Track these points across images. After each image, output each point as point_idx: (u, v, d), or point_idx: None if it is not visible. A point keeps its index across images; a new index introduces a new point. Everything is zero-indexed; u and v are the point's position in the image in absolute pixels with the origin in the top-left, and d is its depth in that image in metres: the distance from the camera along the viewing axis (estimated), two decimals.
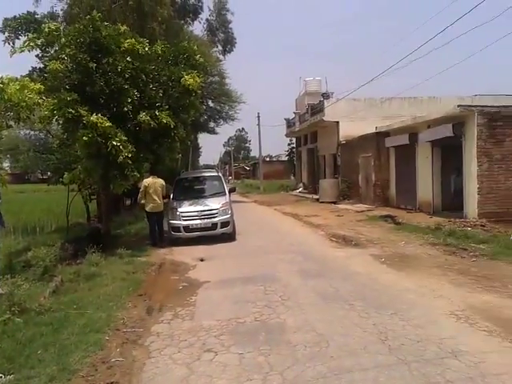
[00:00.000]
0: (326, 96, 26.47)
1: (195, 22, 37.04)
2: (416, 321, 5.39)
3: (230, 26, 38.08)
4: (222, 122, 29.15)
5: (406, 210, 17.57)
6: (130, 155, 10.14)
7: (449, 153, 15.82)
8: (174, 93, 11.75)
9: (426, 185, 16.67)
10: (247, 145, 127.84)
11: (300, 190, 32.34)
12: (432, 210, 16.12)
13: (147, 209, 11.58)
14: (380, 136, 20.13)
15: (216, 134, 32.81)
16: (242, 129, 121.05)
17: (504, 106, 14.43)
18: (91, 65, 10.88)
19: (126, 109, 10.97)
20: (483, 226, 12.94)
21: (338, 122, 25.35)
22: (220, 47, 38.57)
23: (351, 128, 23.55)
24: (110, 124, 9.98)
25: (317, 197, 25.10)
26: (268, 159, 77.49)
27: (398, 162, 19.42)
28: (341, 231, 13.26)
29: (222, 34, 38.11)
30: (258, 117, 43.58)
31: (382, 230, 13.52)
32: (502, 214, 13.39)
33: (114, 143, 9.80)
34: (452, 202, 15.61)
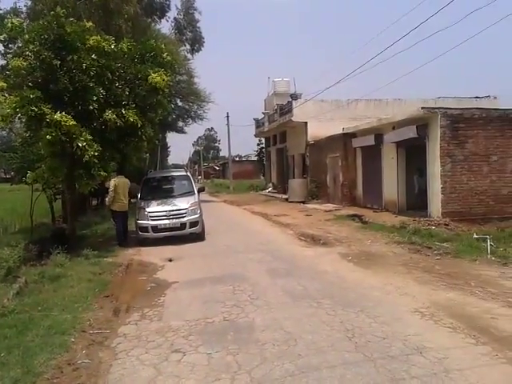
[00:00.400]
0: (294, 97, 26.66)
1: (163, 21, 36.70)
2: (382, 318, 5.49)
3: (198, 25, 37.98)
4: (190, 122, 29.00)
5: (372, 210, 17.90)
6: (96, 154, 9.94)
7: (413, 153, 16.19)
8: (141, 91, 11.59)
9: (392, 185, 17.02)
10: (217, 144, 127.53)
11: (269, 189, 32.47)
12: (397, 210, 16.47)
13: (115, 208, 11.39)
14: (347, 137, 20.44)
15: (184, 133, 32.63)
16: (212, 128, 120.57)
17: (466, 109, 14.90)
18: (55, 62, 10.65)
19: (91, 107, 10.77)
20: (447, 224, 13.32)
21: (306, 123, 25.62)
22: (188, 46, 38.28)
23: (319, 128, 23.85)
24: (75, 123, 9.76)
25: (286, 196, 25.27)
26: (238, 159, 77.52)
27: (365, 162, 19.77)
28: (309, 230, 13.39)
29: (190, 33, 37.84)
30: (227, 116, 43.62)
31: (349, 229, 13.73)
32: (464, 214, 13.82)
33: (80, 144, 9.58)
34: (416, 202, 16.00)
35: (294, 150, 28.98)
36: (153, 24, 30.87)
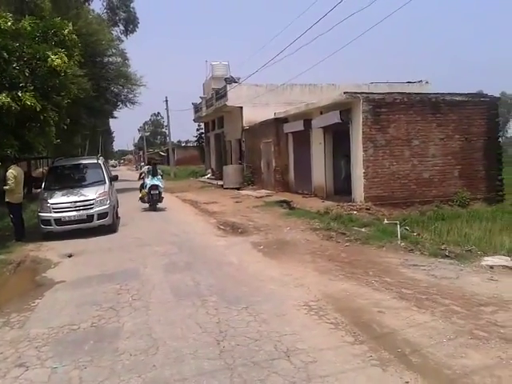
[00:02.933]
0: (228, 81, 26.04)
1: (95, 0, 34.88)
2: (265, 315, 5.15)
3: (132, 5, 36.40)
4: (120, 106, 27.64)
5: (302, 195, 17.79)
6: None
7: (340, 139, 16.06)
8: (39, 72, 10.64)
9: (320, 170, 16.93)
10: (164, 130, 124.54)
11: (208, 176, 31.87)
12: (325, 195, 16.40)
13: (12, 200, 10.43)
14: (279, 122, 20.15)
15: (115, 117, 30.99)
16: (158, 113, 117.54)
17: (388, 93, 14.92)
18: None
19: None
20: (368, 209, 13.33)
21: (241, 108, 25.07)
22: (122, 27, 36.77)
23: (255, 113, 23.42)
24: None
25: (222, 183, 24.77)
26: (184, 144, 75.95)
27: (296, 147, 19.59)
28: (233, 218, 13.01)
29: (124, 14, 36.28)
30: (166, 101, 42.33)
31: (273, 215, 13.46)
32: (386, 198, 13.88)
33: None
34: (343, 187, 15.96)
35: (231, 136, 28.47)
36: (85, 4, 29.04)
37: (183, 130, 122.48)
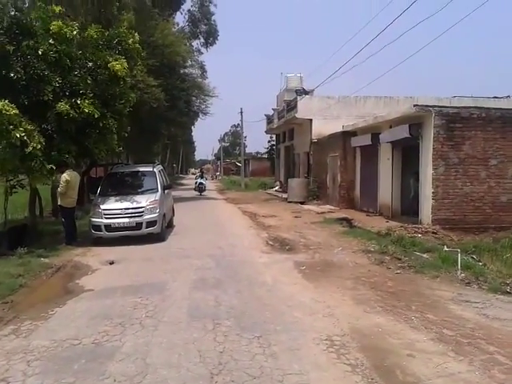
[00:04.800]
0: (299, 92, 25.57)
1: (177, 13, 36.26)
2: (276, 347, 4.61)
3: (213, 18, 37.37)
4: (192, 116, 28.20)
5: (366, 213, 16.81)
6: (38, 146, 9.34)
7: (410, 155, 14.96)
8: (102, 80, 10.94)
9: (386, 187, 15.88)
10: (244, 141, 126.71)
11: (276, 188, 31.50)
12: (391, 215, 15.33)
13: (64, 204, 10.74)
14: (346, 135, 19.33)
15: (189, 128, 31.68)
16: (238, 124, 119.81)
17: (464, 107, 13.66)
18: (8, 47, 10.15)
19: (46, 97, 10.20)
20: (435, 233, 12.19)
21: (311, 120, 24.48)
22: (202, 39, 37.87)
23: (325, 126, 22.70)
24: (16, 111, 9.16)
25: (286, 196, 24.29)
26: (259, 156, 76.36)
27: (364, 162, 18.63)
28: (285, 234, 12.51)
29: (205, 26, 37.33)
30: (241, 112, 42.76)
31: (329, 233, 12.75)
32: (457, 221, 12.65)
33: (17, 134, 8.98)
34: (411, 207, 14.78)
35: (299, 148, 27.95)
36: (167, 16, 30.22)
37: (256, 140, 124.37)
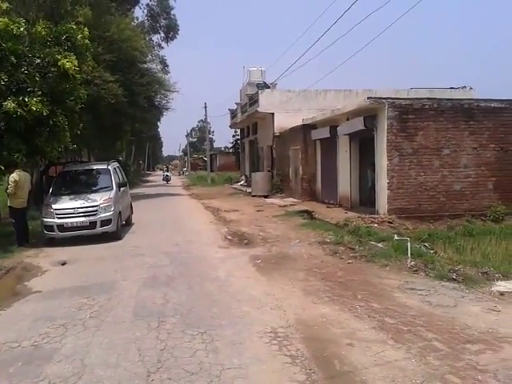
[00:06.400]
0: (260, 86, 25.64)
1: (136, 8, 35.57)
2: (219, 343, 4.62)
3: (173, 12, 36.89)
4: (153, 112, 27.78)
5: (328, 205, 17.02)
6: None
7: (367, 146, 15.17)
8: (51, 77, 10.64)
9: (345, 179, 16.11)
10: (211, 136, 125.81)
11: (242, 182, 31.49)
12: (350, 206, 15.57)
13: (14, 205, 10.42)
14: (307, 128, 19.47)
15: (152, 124, 31.25)
16: (205, 119, 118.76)
17: (416, 99, 13.98)
18: None
19: None
20: (391, 222, 12.45)
21: (273, 114, 24.56)
22: (162, 34, 37.36)
23: (287, 120, 22.75)
24: None
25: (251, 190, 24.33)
26: (227, 150, 76.00)
27: (324, 155, 18.82)
28: (245, 228, 12.53)
29: (164, 21, 36.83)
30: (205, 107, 42.49)
31: (288, 226, 12.86)
32: (412, 210, 12.93)
33: None
34: (369, 197, 15.06)
35: (263, 142, 28.00)
36: (123, 11, 29.62)
37: (224, 135, 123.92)
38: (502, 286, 6.31)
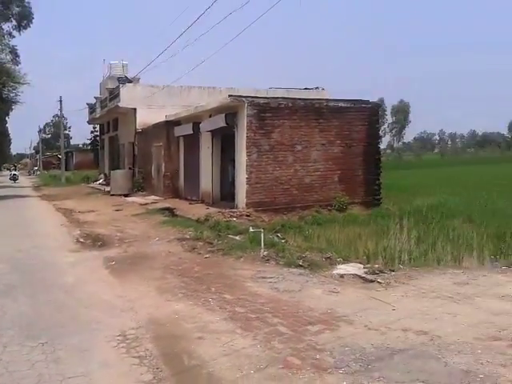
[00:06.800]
0: (122, 80, 24.62)
1: None
2: (62, 352, 4.31)
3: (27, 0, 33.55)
4: (2, 105, 24.95)
5: (190, 201, 17.03)
6: None
7: (229, 143, 15.50)
8: None
9: (207, 175, 16.31)
10: (67, 132, 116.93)
11: (101, 181, 29.89)
12: (211, 201, 15.78)
13: None
14: (170, 125, 19.25)
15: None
16: (62, 115, 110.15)
17: (273, 98, 14.70)
18: None
19: None
20: (248, 215, 12.89)
21: (135, 109, 23.78)
22: (14, 22, 33.76)
23: (150, 116, 22.22)
24: None
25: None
26: (85, 148, 71.51)
27: (187, 151, 18.82)
28: (101, 229, 11.92)
29: (17, 8, 33.34)
30: (60, 101, 39.49)
31: (149, 224, 12.58)
32: (268, 203, 13.53)
33: None
34: (230, 193, 15.43)
35: (124, 139, 27.00)
36: None
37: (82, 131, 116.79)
38: (343, 269, 6.93)
